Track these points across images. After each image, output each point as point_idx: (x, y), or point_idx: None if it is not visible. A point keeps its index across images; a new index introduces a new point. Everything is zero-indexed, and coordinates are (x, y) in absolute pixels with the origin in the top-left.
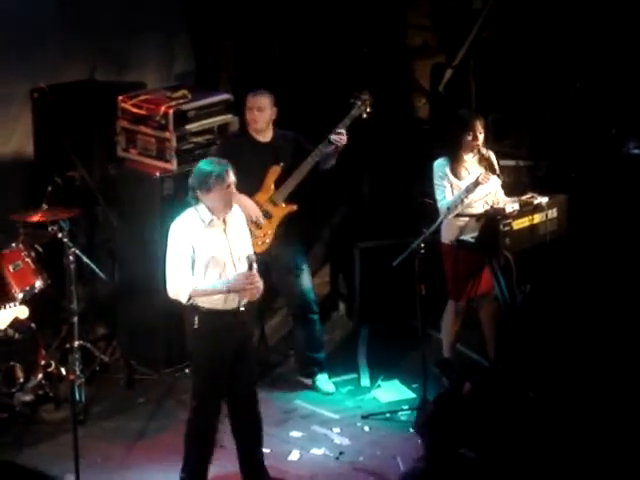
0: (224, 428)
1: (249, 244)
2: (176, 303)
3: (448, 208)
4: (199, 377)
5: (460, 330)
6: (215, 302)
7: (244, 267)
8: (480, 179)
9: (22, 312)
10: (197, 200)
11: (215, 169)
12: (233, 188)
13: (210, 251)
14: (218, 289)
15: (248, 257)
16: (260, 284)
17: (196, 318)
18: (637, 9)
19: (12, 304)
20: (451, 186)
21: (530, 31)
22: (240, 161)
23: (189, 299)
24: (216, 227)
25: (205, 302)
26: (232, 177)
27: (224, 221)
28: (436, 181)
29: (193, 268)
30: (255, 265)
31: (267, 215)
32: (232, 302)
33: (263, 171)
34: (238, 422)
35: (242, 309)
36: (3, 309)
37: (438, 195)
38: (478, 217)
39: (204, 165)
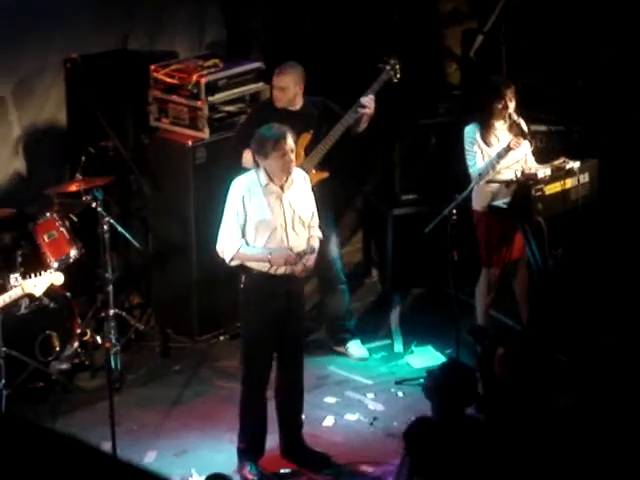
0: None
1: (312, 215)
2: (225, 265)
3: (479, 174)
4: (247, 340)
5: (494, 298)
6: (263, 265)
7: (299, 238)
8: (512, 144)
9: (58, 279)
10: (257, 164)
11: (273, 135)
12: (291, 155)
13: (262, 215)
14: (260, 257)
15: (310, 239)
16: (307, 264)
17: (243, 278)
18: None
19: (48, 271)
20: (481, 152)
21: None
22: None
23: (232, 260)
24: (272, 192)
25: (253, 264)
26: (290, 143)
27: (281, 187)
28: (467, 147)
29: (244, 230)
30: (312, 250)
31: None
32: (280, 269)
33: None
34: (282, 388)
35: (291, 277)
36: (39, 276)
37: (469, 161)
38: (509, 183)
39: (264, 130)
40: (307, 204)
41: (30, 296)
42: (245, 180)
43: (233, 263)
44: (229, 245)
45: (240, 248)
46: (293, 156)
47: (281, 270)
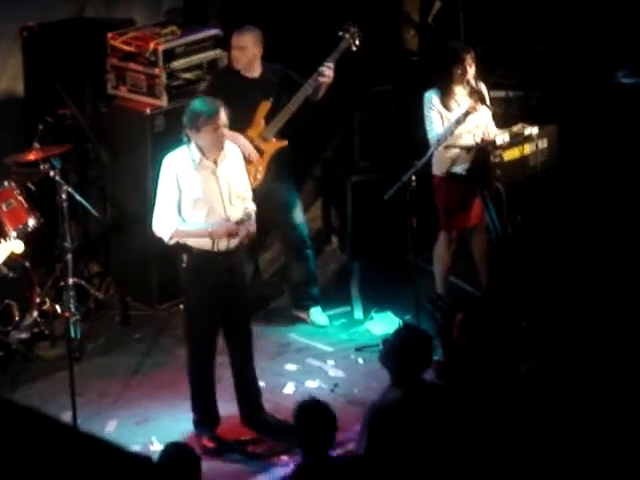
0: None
1: (245, 188)
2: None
3: (438, 140)
4: (190, 318)
5: (452, 261)
6: (204, 242)
7: (236, 210)
8: (469, 109)
9: (18, 247)
10: (189, 139)
11: (205, 109)
12: (224, 129)
13: (198, 191)
14: (200, 232)
15: (245, 209)
16: (251, 230)
17: (185, 257)
18: None
19: (7, 239)
20: (441, 117)
21: None
22: (230, 97)
23: (171, 238)
24: (206, 167)
25: (194, 242)
26: (223, 118)
27: (215, 162)
28: (426, 112)
29: (180, 207)
30: (248, 216)
31: (258, 151)
32: (221, 243)
33: (253, 107)
34: (233, 359)
35: (232, 251)
36: None
37: (428, 126)
38: (469, 149)
39: (196, 104)
40: (240, 176)
41: None
42: (177, 157)
43: (172, 241)
44: (166, 224)
45: (179, 225)
46: (226, 130)
47: (223, 245)
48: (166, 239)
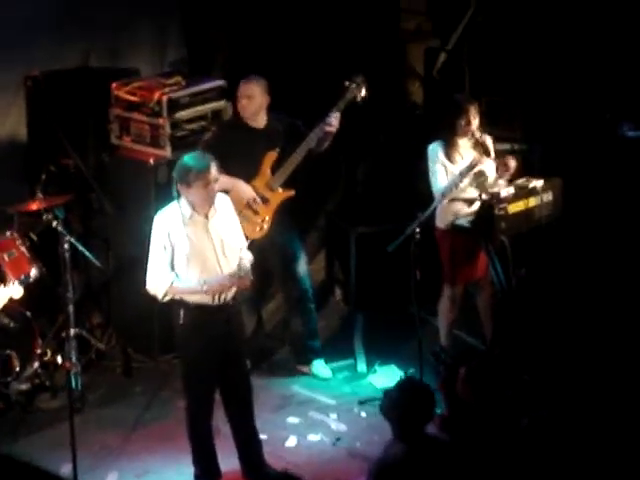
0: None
1: (239, 239)
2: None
3: (443, 193)
4: (188, 373)
5: (457, 315)
6: (200, 297)
7: (230, 263)
8: (474, 161)
9: (16, 292)
10: (179, 194)
11: (196, 164)
12: (215, 185)
13: (191, 247)
14: (195, 289)
15: (240, 259)
16: (246, 281)
17: (181, 312)
18: None
19: (7, 285)
20: (445, 170)
21: (524, 14)
22: (235, 148)
23: (165, 295)
24: (197, 223)
25: (190, 297)
26: (214, 173)
27: (206, 216)
28: (430, 166)
29: (173, 264)
30: (242, 269)
31: (264, 201)
32: (218, 297)
33: (259, 157)
34: (231, 412)
35: (229, 303)
36: None
37: (432, 180)
38: (472, 201)
39: (186, 159)
40: (233, 229)
41: None
42: (168, 214)
43: (166, 299)
44: (160, 282)
45: (172, 283)
46: (216, 186)
47: (220, 298)
48: (160, 297)
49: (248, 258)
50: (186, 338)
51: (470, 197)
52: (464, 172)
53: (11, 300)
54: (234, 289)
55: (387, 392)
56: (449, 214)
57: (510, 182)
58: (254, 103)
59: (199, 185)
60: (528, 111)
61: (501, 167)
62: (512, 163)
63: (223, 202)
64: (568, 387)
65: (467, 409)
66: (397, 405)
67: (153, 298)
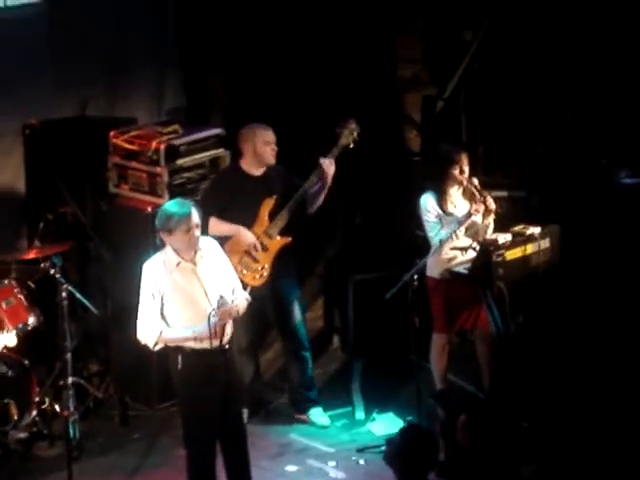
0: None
1: (230, 280)
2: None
3: (440, 240)
4: (189, 421)
5: (449, 362)
6: (196, 342)
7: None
8: (472, 211)
9: (10, 340)
10: (162, 242)
11: (177, 211)
12: (197, 230)
13: (181, 294)
14: (185, 337)
15: (219, 300)
16: (233, 312)
17: (179, 358)
18: (626, 43)
19: (2, 331)
20: (440, 221)
21: (520, 63)
22: (234, 195)
23: (156, 344)
24: (185, 269)
25: (187, 342)
26: (195, 219)
27: (193, 262)
28: (425, 217)
29: (163, 312)
30: (222, 303)
31: (264, 248)
32: (215, 341)
33: (257, 204)
34: (229, 464)
35: (225, 347)
36: None
37: (430, 232)
38: (466, 249)
39: (167, 206)
40: (223, 271)
41: None
42: (155, 263)
43: (157, 348)
44: (149, 331)
45: (162, 332)
46: (198, 232)
47: (216, 342)
48: (151, 346)
49: (244, 297)
50: (185, 383)
51: (463, 245)
52: (462, 220)
53: (5, 348)
54: (229, 331)
55: (390, 439)
56: (441, 263)
57: (507, 229)
58: (274, 148)
59: (181, 231)
60: (525, 158)
61: (483, 209)
62: (492, 204)
63: (210, 245)
64: (567, 434)
65: (466, 455)
66: (400, 451)
67: None
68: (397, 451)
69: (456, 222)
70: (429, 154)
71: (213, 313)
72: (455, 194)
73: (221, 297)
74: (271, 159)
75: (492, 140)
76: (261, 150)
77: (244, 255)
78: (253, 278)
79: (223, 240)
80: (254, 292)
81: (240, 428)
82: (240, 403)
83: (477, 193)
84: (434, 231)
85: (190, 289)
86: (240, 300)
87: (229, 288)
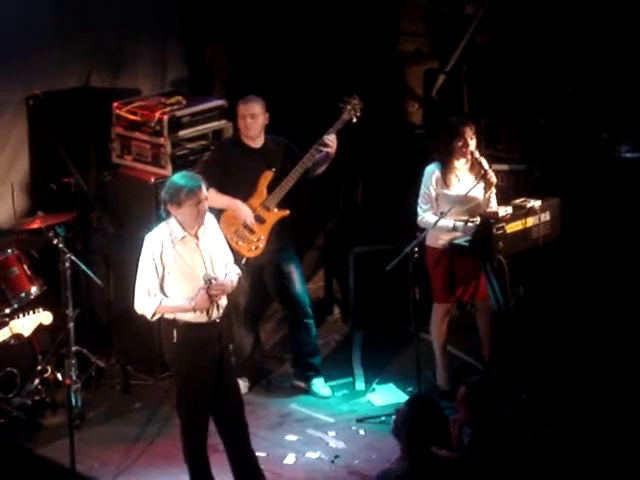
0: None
1: (226, 254)
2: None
3: (442, 212)
4: (184, 392)
5: (448, 332)
6: (192, 315)
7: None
8: (474, 183)
9: (46, 318)
10: (168, 213)
11: (187, 184)
12: (205, 204)
13: (183, 266)
14: (184, 307)
15: (205, 275)
16: (226, 286)
17: (175, 331)
18: (629, 15)
19: (37, 310)
20: (437, 197)
21: (523, 36)
22: (233, 167)
23: (154, 315)
24: (189, 242)
25: (183, 316)
26: (205, 193)
27: (196, 235)
28: (422, 189)
29: (163, 284)
30: (214, 280)
31: (260, 220)
32: (211, 313)
33: (256, 176)
34: (227, 432)
35: (219, 319)
36: (27, 315)
37: (420, 205)
38: (466, 222)
39: (177, 179)
40: (220, 245)
41: (19, 336)
42: (157, 235)
43: (155, 318)
44: (148, 302)
45: (161, 302)
46: (207, 205)
47: (208, 316)
48: (149, 316)
49: (235, 271)
50: (180, 356)
51: (465, 218)
52: (457, 228)
53: (40, 325)
54: (223, 304)
55: (398, 409)
56: (442, 234)
57: (508, 202)
58: (258, 121)
59: (191, 204)
60: (526, 132)
61: (485, 184)
62: (493, 178)
63: (209, 220)
64: (566, 405)
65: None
66: (407, 419)
67: None
68: (404, 418)
69: (452, 227)
70: (437, 125)
71: (207, 278)
72: (461, 167)
73: (205, 275)
74: (247, 131)
75: (494, 113)
76: (240, 124)
77: (240, 226)
78: (249, 249)
79: (220, 211)
80: (252, 264)
81: (235, 398)
82: (234, 375)
83: (478, 166)
84: (423, 207)
85: (192, 263)
86: (232, 275)
87: (223, 262)
